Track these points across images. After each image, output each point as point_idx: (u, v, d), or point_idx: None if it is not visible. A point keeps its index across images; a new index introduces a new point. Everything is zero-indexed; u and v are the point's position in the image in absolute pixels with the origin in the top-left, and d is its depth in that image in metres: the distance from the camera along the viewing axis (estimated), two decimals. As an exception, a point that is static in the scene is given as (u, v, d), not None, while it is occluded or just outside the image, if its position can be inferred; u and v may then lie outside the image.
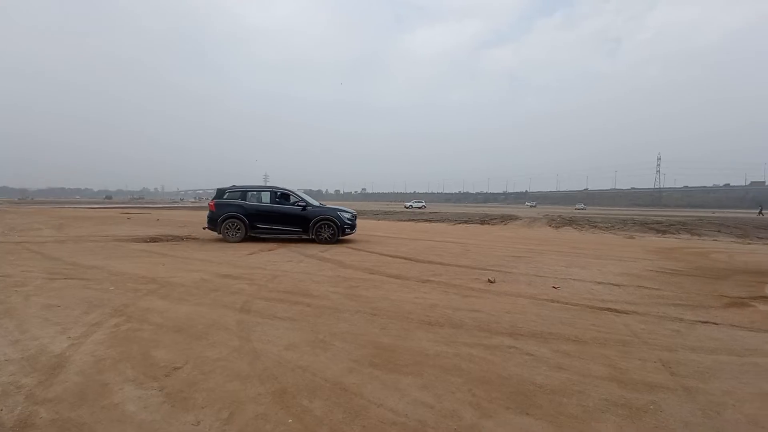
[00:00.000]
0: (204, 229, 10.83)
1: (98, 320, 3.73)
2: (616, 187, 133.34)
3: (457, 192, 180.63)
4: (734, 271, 7.12)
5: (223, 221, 10.14)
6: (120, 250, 8.36)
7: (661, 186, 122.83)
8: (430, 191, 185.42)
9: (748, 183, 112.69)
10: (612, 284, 5.71)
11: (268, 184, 11.70)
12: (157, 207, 43.64)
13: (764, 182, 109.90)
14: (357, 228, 11.53)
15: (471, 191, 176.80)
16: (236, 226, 10.14)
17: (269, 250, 8.72)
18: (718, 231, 17.34)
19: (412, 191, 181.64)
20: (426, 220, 22.97)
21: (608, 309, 4.39)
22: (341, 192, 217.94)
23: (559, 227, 18.85)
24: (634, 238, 13.72)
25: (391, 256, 8.21)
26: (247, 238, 10.21)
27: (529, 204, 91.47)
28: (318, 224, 10.18)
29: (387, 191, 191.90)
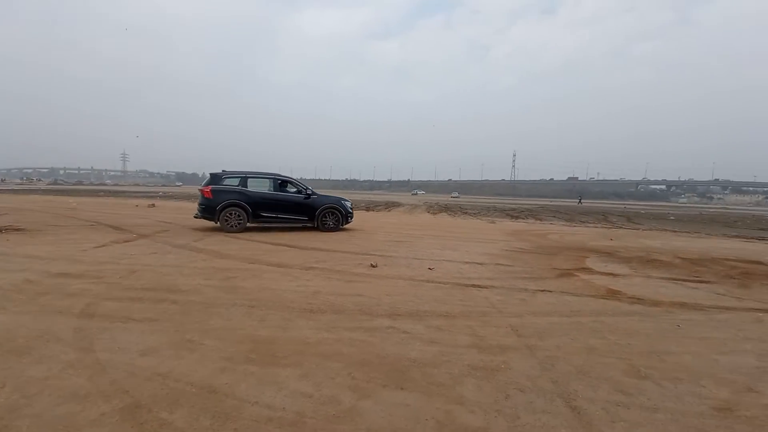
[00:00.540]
0: (196, 218, 9.77)
1: None
2: (483, 178, 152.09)
3: (344, 179, 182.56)
4: (564, 248, 8.79)
5: (223, 209, 9.22)
6: None
7: (516, 178, 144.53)
8: (317, 177, 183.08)
9: (588, 178, 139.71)
10: (476, 263, 6.48)
11: (266, 171, 10.44)
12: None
13: (577, 177, 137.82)
14: None
15: (358, 178, 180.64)
16: (238, 215, 9.31)
17: (125, 242, 7.47)
18: (554, 216, 21.20)
19: (299, 177, 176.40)
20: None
21: (473, 285, 4.95)
22: (203, 175, 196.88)
23: (436, 214, 20.60)
24: (494, 222, 15.83)
25: (273, 243, 7.84)
26: (246, 228, 9.37)
27: (417, 192, 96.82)
28: (323, 213, 9.99)
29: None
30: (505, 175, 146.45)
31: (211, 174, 9.80)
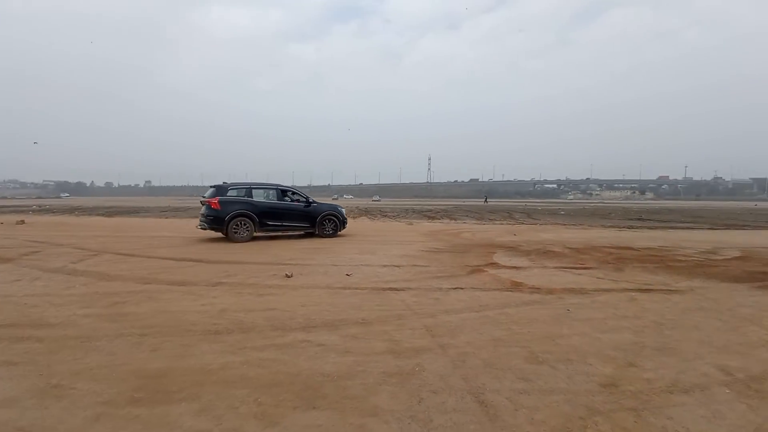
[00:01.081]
0: (202, 229, 9.95)
1: None
2: (402, 181, 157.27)
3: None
4: (475, 245, 9.39)
5: (231, 220, 9.42)
6: None
7: (432, 181, 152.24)
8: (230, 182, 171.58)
9: (487, 179, 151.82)
10: (394, 266, 6.57)
11: (269, 182, 11.04)
12: None
13: (478, 179, 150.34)
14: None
15: (283, 183, 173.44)
16: (245, 224, 9.57)
17: (-23, 269, 6.11)
18: (467, 215, 22.68)
19: (211, 184, 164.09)
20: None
21: (390, 288, 4.99)
22: (116, 185, 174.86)
23: (356, 217, 20.63)
24: (412, 224, 16.37)
25: (175, 259, 7.07)
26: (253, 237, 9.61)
27: (346, 196, 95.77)
28: (323, 219, 10.42)
29: (180, 184, 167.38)
30: (422, 178, 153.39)
31: (214, 186, 10.19)
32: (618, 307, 4.29)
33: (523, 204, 47.92)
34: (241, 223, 9.55)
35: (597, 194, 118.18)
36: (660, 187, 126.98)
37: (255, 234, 9.77)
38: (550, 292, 4.87)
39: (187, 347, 3.08)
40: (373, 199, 74.06)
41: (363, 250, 8.32)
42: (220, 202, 9.60)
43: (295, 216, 10.32)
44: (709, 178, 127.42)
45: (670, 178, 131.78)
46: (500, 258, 7.40)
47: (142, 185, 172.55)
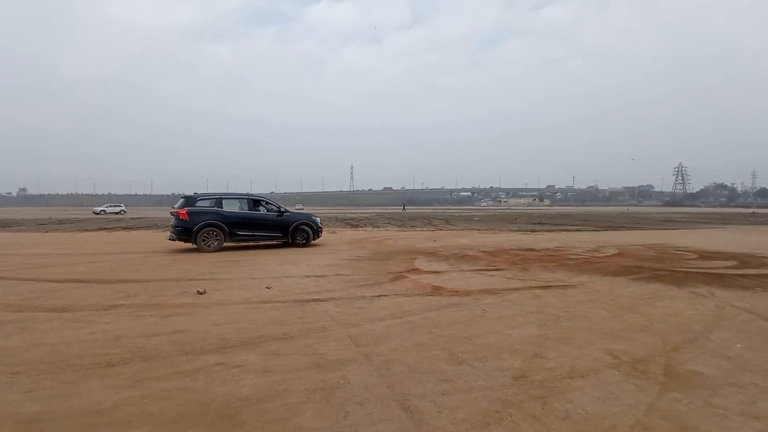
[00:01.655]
0: (170, 240, 9.96)
1: None
2: (324, 190, 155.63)
3: (170, 194, 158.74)
4: (397, 252, 9.61)
5: (200, 230, 9.42)
6: None
7: (354, 189, 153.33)
8: (132, 192, 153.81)
9: (400, 187, 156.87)
10: (317, 276, 6.41)
11: (240, 192, 11.39)
12: None
13: (391, 188, 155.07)
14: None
15: (188, 192, 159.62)
16: (215, 234, 9.57)
17: None
18: (389, 223, 23.20)
19: (107, 192, 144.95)
20: (126, 228, 18.75)
21: (313, 300, 4.84)
22: None
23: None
24: (335, 232, 16.23)
25: (58, 281, 6.04)
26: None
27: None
28: (296, 229, 10.42)
29: (67, 192, 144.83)
30: (345, 186, 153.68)
31: (184, 196, 10.17)
32: (524, 304, 4.70)
33: (442, 211, 50.64)
34: (210, 234, 9.56)
35: (505, 201, 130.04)
36: (555, 195, 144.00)
37: (225, 244, 9.79)
38: (467, 294, 5.16)
39: (70, 385, 2.61)
40: (297, 207, 72.03)
41: (285, 261, 7.99)
42: (188, 212, 9.59)
43: (266, 226, 10.33)
44: (591, 186, 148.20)
45: (556, 186, 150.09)
46: (421, 263, 7.67)
47: (15, 194, 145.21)
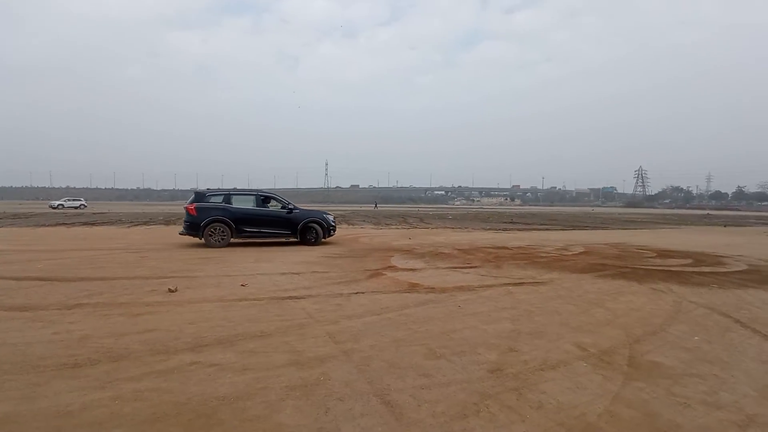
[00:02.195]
0: (181, 234, 10.12)
1: None
2: (298, 186, 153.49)
3: (135, 188, 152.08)
4: (373, 249, 9.64)
5: (207, 225, 9.55)
6: None
7: (329, 186, 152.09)
8: (93, 186, 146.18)
9: (368, 185, 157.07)
10: (293, 273, 6.34)
11: (250, 188, 11.76)
12: None
13: (358, 185, 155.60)
14: None
15: (154, 188, 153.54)
16: (221, 230, 9.66)
17: None
18: (364, 220, 23.19)
19: (66, 186, 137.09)
20: (87, 224, 17.81)
21: (290, 297, 4.79)
22: None
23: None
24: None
25: (15, 278, 5.69)
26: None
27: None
28: (305, 227, 10.19)
29: (21, 185, 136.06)
30: (320, 183, 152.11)
31: (195, 192, 10.48)
32: (498, 300, 4.84)
33: (416, 209, 51.09)
34: (216, 229, 9.63)
35: (478, 200, 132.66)
36: (525, 194, 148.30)
37: (232, 240, 9.80)
38: (444, 290, 5.25)
39: (35, 387, 2.48)
40: None
41: (260, 258, 7.85)
42: (196, 208, 9.76)
43: (274, 223, 10.28)
44: (553, 187, 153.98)
45: (521, 186, 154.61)
46: (398, 261, 7.73)
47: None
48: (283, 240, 10.56)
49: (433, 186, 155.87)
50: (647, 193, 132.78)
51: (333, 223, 10.99)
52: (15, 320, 3.81)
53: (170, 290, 4.97)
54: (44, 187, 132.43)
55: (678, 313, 4.33)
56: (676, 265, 7.57)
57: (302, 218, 10.43)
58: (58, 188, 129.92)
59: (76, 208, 40.11)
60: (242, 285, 5.38)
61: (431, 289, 5.29)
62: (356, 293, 5.04)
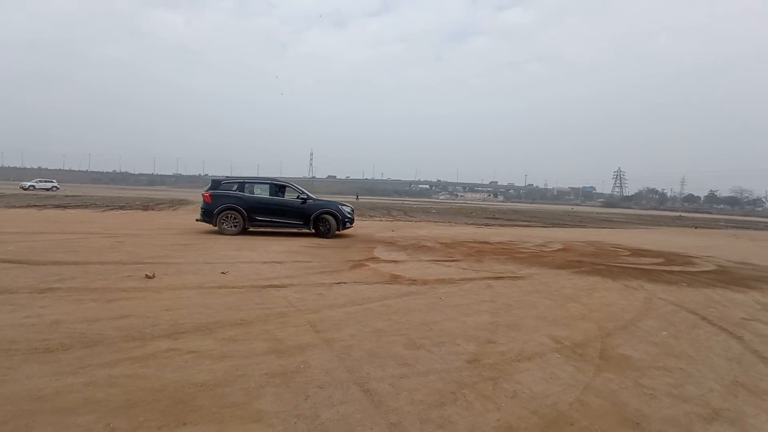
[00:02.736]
0: (197, 221, 10.28)
1: None
2: (282, 175, 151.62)
3: (111, 171, 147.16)
4: (356, 241, 9.64)
5: (220, 213, 9.55)
6: None
7: (314, 176, 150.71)
8: (67, 167, 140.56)
9: (345, 177, 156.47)
10: (275, 262, 6.29)
11: (265, 176, 11.04)
12: None
13: (335, 176, 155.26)
14: None
15: (132, 171, 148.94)
16: (234, 218, 9.63)
17: None
18: (348, 211, 23.09)
19: (37, 167, 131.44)
20: (59, 206, 17.16)
21: (271, 286, 4.76)
22: None
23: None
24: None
25: (-19, 261, 5.45)
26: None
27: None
28: (318, 217, 9.88)
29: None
30: (304, 173, 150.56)
31: (212, 179, 10.45)
32: (479, 293, 4.93)
33: (400, 202, 51.17)
34: (228, 217, 9.62)
35: (461, 195, 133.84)
36: (508, 191, 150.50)
37: (246, 228, 9.76)
38: (425, 283, 5.31)
39: (6, 370, 2.40)
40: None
41: (242, 247, 7.74)
42: (211, 195, 9.81)
43: (287, 212, 10.02)
44: (529, 184, 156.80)
45: (499, 183, 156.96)
46: (380, 253, 7.76)
47: None
48: (295, 231, 10.32)
49: (418, 179, 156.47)
50: (624, 194, 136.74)
51: (349, 215, 10.38)
52: (-18, 303, 3.66)
53: (147, 276, 4.86)
54: (15, 167, 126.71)
55: (648, 310, 4.51)
56: (649, 264, 7.85)
57: (315, 209, 9.95)
58: (29, 168, 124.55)
59: (48, 189, 38.58)
60: (223, 273, 5.31)
61: (413, 281, 5.34)
62: (338, 283, 5.04)
